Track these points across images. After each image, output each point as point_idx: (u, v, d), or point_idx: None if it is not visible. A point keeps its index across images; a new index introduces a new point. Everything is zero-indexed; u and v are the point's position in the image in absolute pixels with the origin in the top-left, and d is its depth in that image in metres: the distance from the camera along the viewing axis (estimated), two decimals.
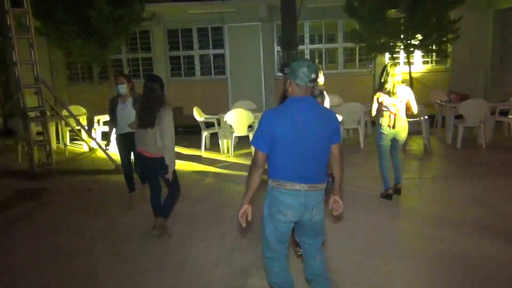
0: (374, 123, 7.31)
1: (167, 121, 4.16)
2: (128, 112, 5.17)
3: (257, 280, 3.64)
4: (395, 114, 5.13)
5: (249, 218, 2.86)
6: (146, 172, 4.60)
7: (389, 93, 5.08)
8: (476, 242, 4.16)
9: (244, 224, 2.89)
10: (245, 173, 6.87)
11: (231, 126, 8.19)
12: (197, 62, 12.95)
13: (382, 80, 5.14)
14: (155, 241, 4.48)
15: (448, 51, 10.83)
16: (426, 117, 8.17)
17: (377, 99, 5.14)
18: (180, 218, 5.02)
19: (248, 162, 7.71)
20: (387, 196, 5.35)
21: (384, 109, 5.14)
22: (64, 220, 5.26)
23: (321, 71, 5.08)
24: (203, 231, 4.72)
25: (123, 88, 5.19)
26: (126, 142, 5.19)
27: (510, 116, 8.54)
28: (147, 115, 4.20)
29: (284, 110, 2.75)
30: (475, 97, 8.49)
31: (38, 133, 8.22)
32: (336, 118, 2.87)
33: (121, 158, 5.45)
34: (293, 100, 2.74)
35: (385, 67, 5.20)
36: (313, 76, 2.68)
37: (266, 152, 2.75)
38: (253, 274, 3.74)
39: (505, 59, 11.67)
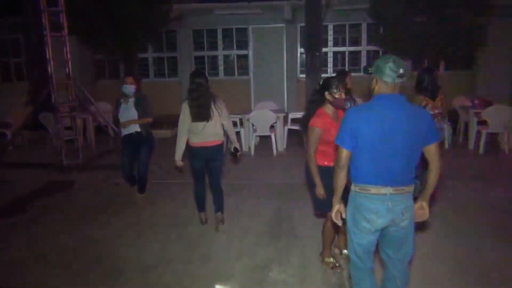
0: None
1: (225, 109, 4.55)
2: (130, 112, 5.25)
3: (278, 273, 3.77)
4: (437, 117, 5.10)
5: (344, 216, 2.75)
6: (200, 165, 4.61)
7: (431, 97, 5.04)
8: (495, 245, 4.19)
9: (340, 223, 2.80)
10: (267, 172, 7.02)
11: (253, 125, 8.33)
12: (220, 63, 13.14)
13: (426, 83, 5.03)
14: (180, 232, 4.68)
15: (475, 57, 10.73)
16: (448, 121, 8.14)
17: (420, 103, 5.01)
18: None
19: (268, 162, 7.85)
20: None
21: (430, 112, 5.11)
22: (92, 211, 5.48)
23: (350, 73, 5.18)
24: (226, 225, 4.85)
25: (132, 90, 5.22)
26: (131, 143, 5.32)
27: None
28: (203, 110, 4.39)
29: (370, 107, 2.58)
30: (500, 103, 8.42)
31: (66, 128, 8.51)
32: (429, 116, 2.66)
33: (122, 159, 5.42)
34: (381, 98, 2.57)
35: (427, 70, 5.19)
36: (401, 71, 2.51)
37: (350, 149, 2.58)
38: (274, 268, 3.87)
39: None
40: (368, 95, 2.75)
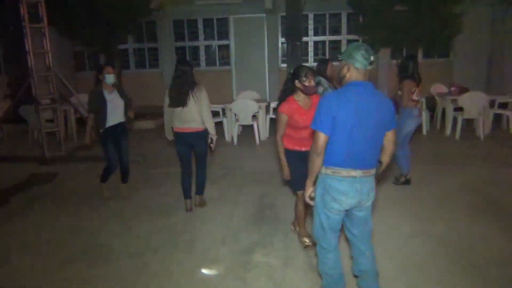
0: None
1: (203, 97, 4.60)
2: (119, 102, 5.16)
3: (262, 256, 3.89)
4: (419, 103, 5.39)
5: (312, 196, 2.88)
6: (183, 149, 4.81)
7: (416, 83, 5.32)
8: (471, 225, 4.39)
9: (312, 203, 2.90)
10: (250, 161, 7.11)
11: (235, 115, 8.41)
12: (202, 53, 13.13)
13: (411, 70, 5.31)
14: (165, 220, 4.77)
15: (452, 45, 10.96)
16: (425, 108, 8.36)
17: (410, 88, 5.30)
18: None
19: (251, 150, 7.95)
20: (406, 182, 5.65)
21: (415, 98, 5.35)
22: (76, 202, 5.51)
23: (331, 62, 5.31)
24: (210, 212, 4.97)
25: (114, 78, 5.10)
26: (114, 134, 5.20)
27: (509, 109, 8.73)
28: (181, 96, 4.54)
29: (346, 94, 2.63)
30: (476, 90, 8.65)
31: (48, 120, 8.45)
32: (392, 105, 2.77)
33: (108, 153, 5.25)
34: (355, 85, 2.64)
35: (411, 57, 5.42)
36: (372, 58, 2.61)
37: (329, 133, 2.63)
38: (258, 251, 3.99)
39: (506, 52, 11.76)
40: (338, 81, 2.82)
